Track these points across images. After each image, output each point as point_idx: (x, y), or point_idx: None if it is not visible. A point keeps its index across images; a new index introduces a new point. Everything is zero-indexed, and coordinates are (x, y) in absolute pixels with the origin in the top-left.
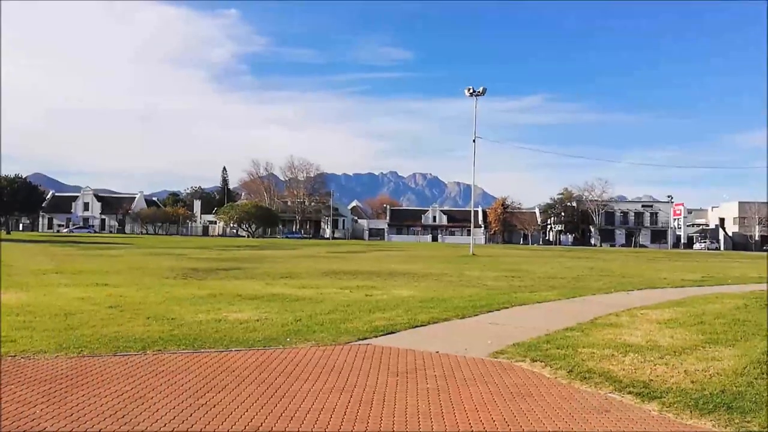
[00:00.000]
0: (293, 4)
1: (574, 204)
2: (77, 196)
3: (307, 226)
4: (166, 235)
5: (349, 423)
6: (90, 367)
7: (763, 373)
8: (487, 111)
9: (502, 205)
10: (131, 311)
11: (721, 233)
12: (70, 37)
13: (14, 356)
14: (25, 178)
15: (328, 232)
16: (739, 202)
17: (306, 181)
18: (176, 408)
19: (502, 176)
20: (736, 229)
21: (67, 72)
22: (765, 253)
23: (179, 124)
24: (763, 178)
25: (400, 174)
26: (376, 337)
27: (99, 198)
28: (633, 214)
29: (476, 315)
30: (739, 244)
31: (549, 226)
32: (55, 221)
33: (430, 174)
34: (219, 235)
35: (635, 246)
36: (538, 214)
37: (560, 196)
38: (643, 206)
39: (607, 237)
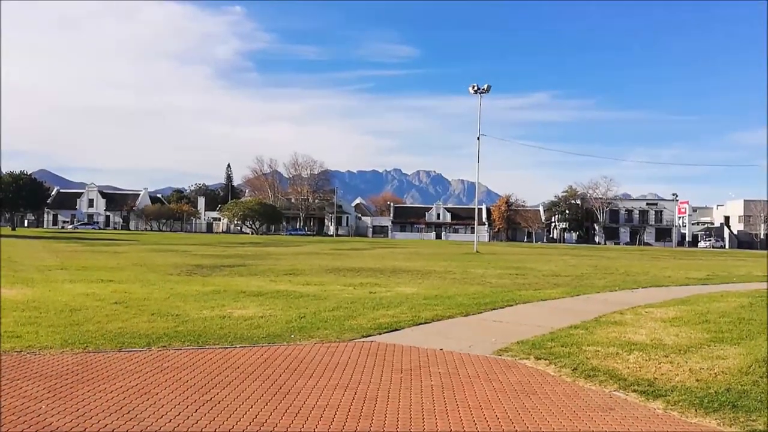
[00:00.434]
0: (298, 2)
1: (579, 202)
2: (82, 193)
3: (311, 223)
4: (170, 231)
5: (354, 420)
6: (95, 363)
7: None
8: (492, 108)
9: (507, 202)
10: (136, 307)
11: (726, 231)
12: (75, 33)
13: (20, 352)
14: (30, 174)
15: (331, 230)
16: (745, 201)
17: (310, 178)
18: (181, 404)
19: (506, 174)
20: (741, 227)
21: (72, 69)
22: None
23: (184, 120)
24: None
25: (404, 171)
26: (380, 334)
27: (103, 194)
28: (638, 212)
29: (480, 312)
30: (744, 242)
31: (553, 224)
32: (60, 217)
33: (434, 171)
34: (223, 232)
35: (640, 244)
36: (542, 211)
37: (565, 194)
38: (647, 204)
39: (612, 235)
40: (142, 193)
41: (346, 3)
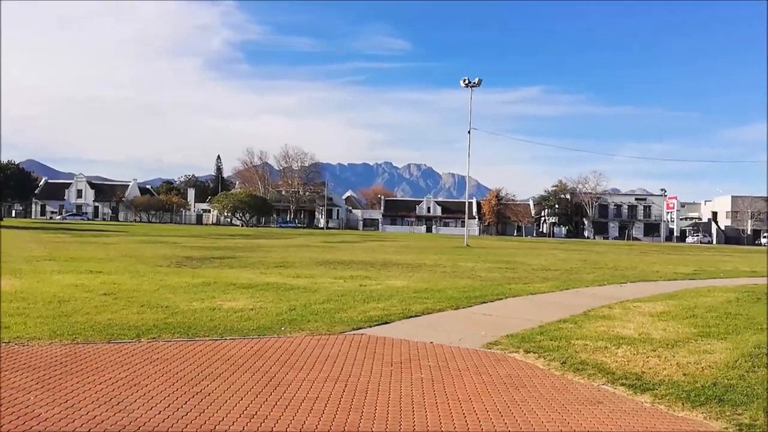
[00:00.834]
0: None
1: (568, 196)
2: (70, 183)
3: (302, 216)
4: (160, 223)
5: (344, 412)
6: (84, 354)
7: (754, 366)
8: (483, 102)
9: (497, 196)
10: (125, 299)
11: (714, 227)
12: (66, 25)
13: (8, 343)
14: (18, 164)
15: (322, 222)
16: (732, 196)
17: (300, 170)
18: (171, 395)
19: (497, 168)
20: (728, 223)
21: (63, 60)
22: (757, 247)
23: (174, 111)
24: (756, 173)
25: (394, 164)
26: (371, 327)
27: (92, 185)
28: (626, 207)
29: (470, 306)
30: (731, 237)
31: (543, 218)
32: (48, 208)
33: (425, 165)
34: (213, 224)
35: (628, 239)
36: (532, 206)
37: (554, 189)
38: (636, 199)
39: (601, 229)
40: (131, 184)
41: None
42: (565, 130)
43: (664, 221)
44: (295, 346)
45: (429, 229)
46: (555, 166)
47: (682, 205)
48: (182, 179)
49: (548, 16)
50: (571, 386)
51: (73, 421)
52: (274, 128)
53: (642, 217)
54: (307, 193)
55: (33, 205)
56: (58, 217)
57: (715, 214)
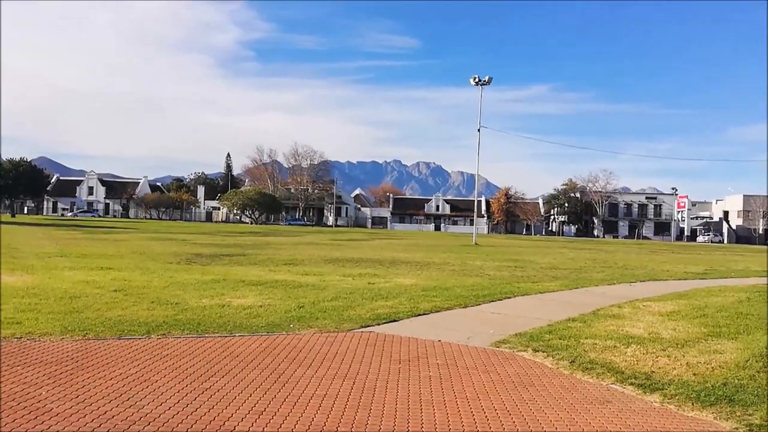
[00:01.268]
0: None
1: (578, 195)
2: (82, 180)
3: (311, 214)
4: (170, 220)
5: (352, 409)
6: (95, 350)
7: (765, 366)
8: (492, 100)
9: (506, 195)
10: (135, 295)
11: (725, 226)
12: (76, 21)
13: (20, 338)
14: (30, 161)
15: (331, 220)
16: (744, 196)
17: (309, 168)
18: (180, 392)
19: (506, 166)
20: (740, 222)
21: (73, 57)
22: None
23: (184, 109)
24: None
25: (403, 163)
26: (379, 324)
27: (103, 182)
28: (637, 205)
29: (478, 304)
30: (742, 237)
31: (552, 217)
32: (60, 205)
33: (434, 163)
34: (222, 221)
35: (638, 238)
36: (541, 204)
37: (564, 187)
38: (647, 198)
39: (611, 228)
40: (141, 181)
41: None
42: (573, 128)
43: (674, 220)
44: (304, 344)
45: (438, 228)
46: (563, 164)
47: (693, 204)
48: (192, 177)
49: (555, 11)
50: (579, 385)
51: (84, 416)
52: (283, 125)
53: (652, 216)
54: (316, 191)
55: (45, 202)
56: (70, 213)
57: (726, 213)
